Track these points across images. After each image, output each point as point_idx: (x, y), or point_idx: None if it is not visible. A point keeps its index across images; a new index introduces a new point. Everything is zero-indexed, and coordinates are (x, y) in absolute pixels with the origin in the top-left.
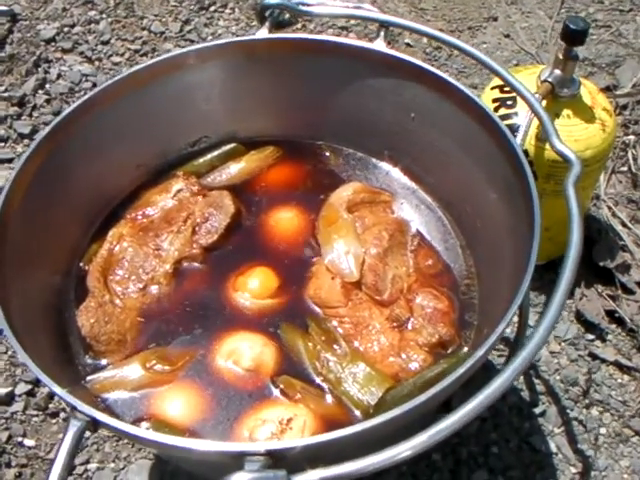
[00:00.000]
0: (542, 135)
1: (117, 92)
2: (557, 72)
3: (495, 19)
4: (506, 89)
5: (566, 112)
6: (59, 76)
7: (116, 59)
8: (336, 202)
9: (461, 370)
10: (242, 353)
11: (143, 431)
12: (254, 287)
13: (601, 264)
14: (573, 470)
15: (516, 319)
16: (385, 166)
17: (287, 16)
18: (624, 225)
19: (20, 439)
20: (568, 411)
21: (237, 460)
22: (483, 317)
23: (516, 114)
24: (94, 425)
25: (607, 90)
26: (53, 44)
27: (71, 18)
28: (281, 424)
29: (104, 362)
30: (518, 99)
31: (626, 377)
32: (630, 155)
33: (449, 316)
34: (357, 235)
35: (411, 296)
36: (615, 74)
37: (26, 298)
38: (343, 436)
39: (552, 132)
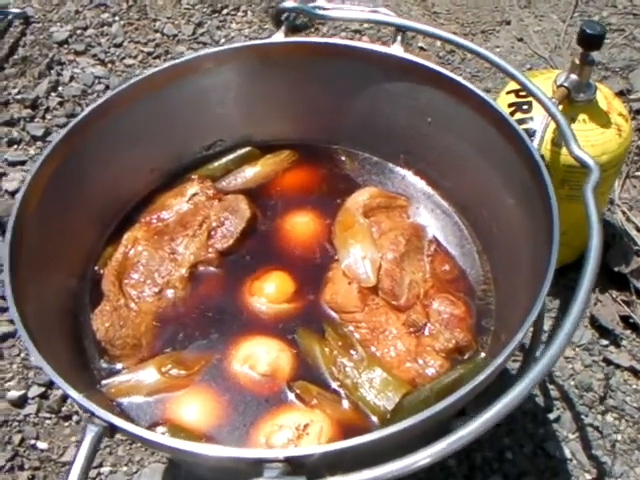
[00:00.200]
0: (558, 140)
1: (133, 95)
2: (573, 77)
3: (508, 23)
4: (522, 93)
5: (582, 117)
6: (72, 78)
7: (129, 61)
8: (352, 207)
9: (480, 377)
10: (258, 358)
11: (163, 437)
12: (270, 292)
13: (616, 269)
14: (588, 476)
15: None
16: (401, 171)
17: (303, 20)
18: (639, 230)
19: (33, 442)
20: (583, 417)
21: (256, 467)
22: (500, 323)
23: (532, 119)
24: (111, 430)
25: (621, 94)
26: (66, 46)
27: (84, 20)
28: (297, 430)
29: (119, 366)
30: (534, 104)
31: None
32: None
33: (466, 322)
34: (374, 240)
35: (428, 301)
36: (629, 78)
37: (41, 301)
38: (362, 443)
39: (570, 137)
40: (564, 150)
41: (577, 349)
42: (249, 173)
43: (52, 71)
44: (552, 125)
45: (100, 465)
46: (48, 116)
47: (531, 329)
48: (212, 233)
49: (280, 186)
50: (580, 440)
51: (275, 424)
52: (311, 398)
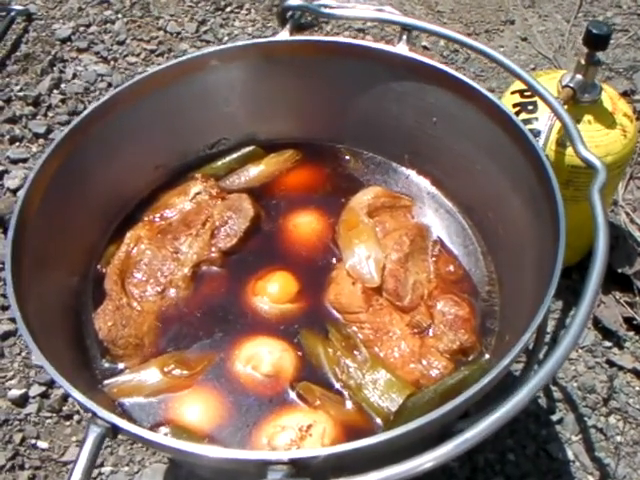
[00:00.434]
0: (563, 141)
1: (137, 93)
2: (578, 77)
3: (512, 22)
4: (527, 94)
5: (587, 117)
6: (74, 76)
7: (132, 59)
8: (356, 206)
9: (486, 379)
10: (261, 358)
11: (166, 439)
12: (273, 292)
13: (619, 270)
14: (591, 479)
15: None
16: (405, 170)
17: (308, 18)
18: None
19: (34, 441)
20: (586, 419)
21: (259, 469)
22: (504, 324)
23: (537, 119)
24: (114, 431)
25: (625, 95)
26: (69, 44)
27: (87, 18)
28: (301, 431)
29: (121, 366)
30: (539, 104)
31: None
32: None
33: (470, 323)
34: (378, 240)
35: (432, 302)
36: (633, 79)
37: (43, 300)
38: (367, 445)
39: (577, 138)
40: (569, 151)
41: (580, 350)
42: (253, 172)
43: (54, 68)
44: (557, 126)
45: (101, 465)
46: (50, 113)
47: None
48: (215, 232)
49: (284, 185)
50: (583, 442)
51: (278, 425)
52: (314, 399)
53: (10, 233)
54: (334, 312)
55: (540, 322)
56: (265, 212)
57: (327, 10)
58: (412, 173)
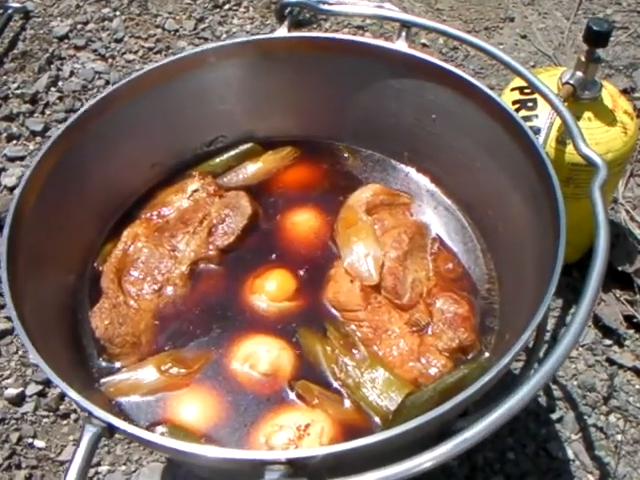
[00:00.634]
0: (563, 138)
1: (134, 90)
2: (579, 74)
3: (512, 20)
4: (526, 91)
5: (587, 115)
6: (72, 73)
7: (130, 57)
8: (355, 204)
9: (486, 378)
10: (259, 357)
11: (162, 439)
12: (271, 290)
13: (619, 268)
14: (591, 478)
15: None
16: (405, 168)
17: (307, 15)
18: None
19: (30, 440)
20: (586, 417)
21: (257, 468)
22: (504, 322)
23: (536, 116)
24: (110, 431)
25: (624, 93)
26: (66, 41)
27: (84, 15)
28: (298, 430)
29: (118, 365)
30: (539, 101)
31: None
32: None
33: (469, 321)
34: (377, 238)
35: (431, 300)
36: (633, 76)
37: (40, 299)
38: (365, 445)
39: (578, 135)
40: (569, 148)
41: (580, 349)
42: (251, 169)
43: (52, 66)
44: (557, 123)
45: (98, 464)
46: (48, 111)
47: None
48: (213, 230)
49: (282, 183)
50: (583, 441)
51: (276, 424)
52: (312, 398)
53: (6, 231)
54: (332, 310)
55: (540, 320)
56: (263, 210)
57: (325, 7)
58: (411, 170)
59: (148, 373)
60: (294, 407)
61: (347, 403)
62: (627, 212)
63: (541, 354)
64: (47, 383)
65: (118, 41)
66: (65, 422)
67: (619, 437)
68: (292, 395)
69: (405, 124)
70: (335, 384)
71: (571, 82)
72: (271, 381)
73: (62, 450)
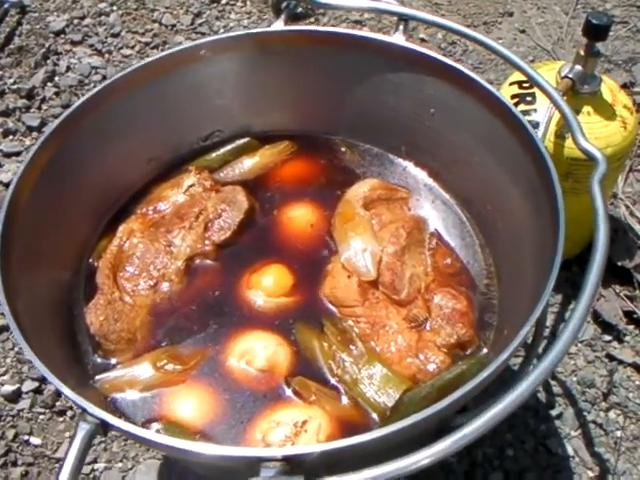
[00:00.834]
0: (562, 132)
1: (129, 85)
2: (578, 68)
3: (510, 14)
4: (525, 85)
5: (586, 109)
6: (68, 68)
7: (126, 52)
8: (352, 199)
9: (484, 374)
10: (255, 353)
11: (157, 436)
12: (268, 285)
13: (619, 264)
14: (590, 474)
15: None
16: (402, 162)
17: (303, 9)
18: None
19: (26, 437)
20: (585, 414)
21: (253, 465)
22: (503, 318)
23: (535, 110)
24: (104, 428)
25: (624, 87)
26: (62, 36)
27: (81, 10)
28: (295, 427)
29: (113, 361)
30: (537, 95)
31: None
32: None
33: (468, 316)
34: (374, 233)
35: (429, 296)
36: (632, 71)
37: (34, 295)
38: (363, 442)
39: (577, 129)
40: (568, 142)
41: (579, 345)
42: (247, 164)
43: (48, 61)
44: (555, 117)
45: (94, 461)
46: (44, 106)
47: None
48: (209, 225)
49: (279, 177)
50: (582, 437)
51: (272, 420)
52: (309, 394)
53: None
54: (330, 306)
55: (539, 316)
56: (260, 205)
57: (322, 0)
58: (409, 165)
59: (144, 369)
60: (291, 403)
61: (344, 399)
62: (627, 207)
63: (540, 350)
64: (43, 380)
65: (115, 36)
66: (61, 419)
67: (619, 433)
68: (289, 391)
69: (403, 118)
70: (332, 380)
71: (570, 76)
72: (268, 377)
73: (58, 447)
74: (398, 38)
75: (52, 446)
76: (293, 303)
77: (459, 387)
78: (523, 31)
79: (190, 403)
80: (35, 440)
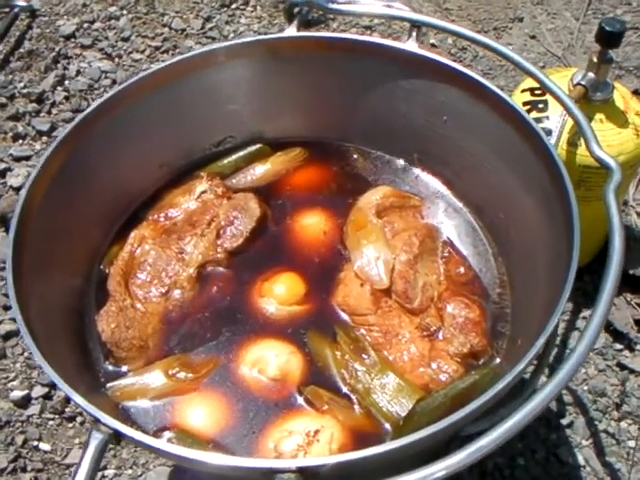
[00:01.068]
0: (575, 140)
1: (141, 90)
2: (590, 75)
3: (521, 20)
4: (537, 92)
5: (599, 116)
6: (78, 73)
7: (136, 56)
8: (365, 206)
9: (500, 385)
10: (268, 362)
11: (172, 447)
12: (280, 293)
13: (630, 272)
14: None
15: None
16: (415, 170)
17: (315, 15)
18: None
19: (36, 443)
20: (596, 423)
21: (267, 476)
22: (516, 327)
23: (547, 118)
24: (117, 437)
25: (635, 94)
26: (72, 40)
27: (91, 14)
28: (308, 436)
29: (124, 369)
30: (550, 103)
31: None
32: None
33: (481, 326)
34: (387, 241)
35: (442, 304)
36: None
37: (45, 301)
38: (377, 453)
39: (591, 137)
40: (580, 150)
41: (590, 353)
42: (259, 171)
43: (58, 65)
44: (568, 125)
45: (104, 468)
46: (54, 111)
47: None
48: (221, 232)
49: (291, 184)
50: (594, 447)
51: (285, 430)
52: (322, 403)
53: (11, 233)
54: (342, 314)
55: (555, 325)
56: (272, 212)
57: (335, 6)
58: (421, 173)
59: (155, 377)
60: (303, 413)
61: (357, 409)
62: (638, 214)
63: (551, 359)
64: (53, 386)
65: (125, 40)
66: (71, 425)
67: (631, 443)
68: (301, 400)
69: (415, 125)
70: (345, 389)
71: (583, 83)
72: (280, 386)
73: (68, 453)
74: (411, 45)
75: (61, 452)
76: (305, 311)
77: (472, 397)
78: (533, 37)
79: (202, 411)
80: (44, 446)
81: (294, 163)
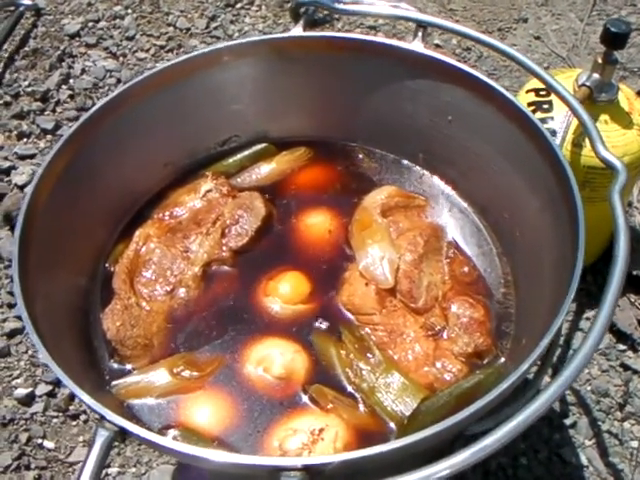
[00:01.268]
0: (579, 141)
1: (147, 89)
2: (595, 76)
3: (525, 20)
4: (542, 93)
5: (603, 117)
6: (83, 71)
7: (141, 55)
8: (370, 206)
9: (504, 385)
10: (273, 360)
11: (177, 444)
12: (285, 292)
13: (634, 273)
14: None
15: None
16: (419, 170)
17: (321, 15)
18: None
19: (40, 441)
20: (599, 423)
21: (272, 474)
22: (520, 327)
23: (552, 118)
24: (123, 435)
25: (639, 95)
26: (77, 39)
27: (96, 13)
28: (312, 434)
29: (129, 367)
30: (554, 103)
31: None
32: None
33: (485, 325)
34: (392, 240)
35: (446, 304)
36: None
37: (51, 299)
38: (384, 451)
39: (597, 138)
40: (585, 151)
41: (594, 354)
42: (264, 170)
43: (63, 64)
44: (572, 125)
45: (108, 466)
46: (58, 109)
47: None
48: (226, 231)
49: (296, 184)
50: (597, 447)
51: (289, 428)
52: (327, 402)
53: (17, 231)
54: (347, 313)
55: (559, 325)
56: (277, 211)
57: (341, 6)
58: (426, 172)
59: (160, 376)
60: (308, 411)
61: (361, 408)
62: None
63: (554, 358)
64: (57, 383)
65: (129, 39)
66: (75, 423)
67: (634, 444)
68: (306, 399)
69: (420, 125)
70: (349, 388)
71: (587, 84)
72: (285, 385)
73: (72, 451)
74: (417, 45)
75: (65, 450)
76: (310, 310)
77: (476, 396)
78: (538, 37)
79: (207, 410)
80: (48, 444)
81: (299, 162)
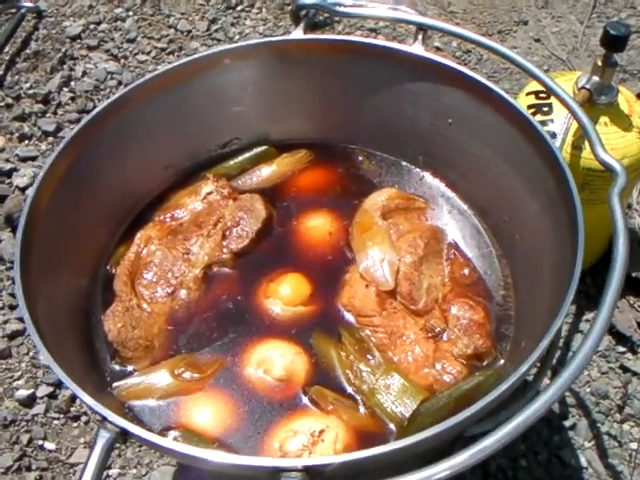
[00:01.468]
0: (579, 143)
1: (148, 91)
2: (595, 79)
3: (525, 23)
4: (542, 95)
5: (603, 120)
6: (84, 74)
7: (142, 57)
8: (370, 208)
9: (504, 387)
10: (273, 362)
11: (179, 445)
12: (285, 294)
13: (633, 275)
14: None
15: None
16: (420, 172)
17: (320, 17)
18: None
19: (41, 442)
20: (599, 425)
21: (272, 475)
22: (520, 329)
23: (552, 121)
24: (124, 436)
25: (639, 97)
26: (79, 41)
27: (97, 15)
28: (312, 436)
29: (130, 368)
30: (554, 106)
31: None
32: None
33: (485, 327)
34: (392, 242)
35: (446, 306)
36: None
37: (52, 301)
38: (384, 452)
39: (596, 140)
40: (584, 153)
41: (593, 355)
42: (265, 172)
43: (64, 66)
44: (572, 128)
45: (109, 467)
46: (60, 111)
47: None
48: (227, 233)
49: (296, 186)
50: (596, 449)
51: (290, 430)
52: (327, 403)
53: (19, 233)
54: (347, 315)
55: (559, 327)
56: (277, 213)
57: (342, 9)
58: (426, 175)
59: (161, 377)
60: (308, 413)
61: (362, 409)
62: None
63: (554, 360)
64: (58, 385)
65: (131, 41)
66: (76, 424)
67: (633, 445)
68: (306, 400)
69: (421, 128)
70: (349, 390)
71: (587, 87)
72: (285, 386)
73: (72, 452)
74: (417, 48)
75: (66, 451)
76: (310, 312)
77: (476, 398)
78: (538, 40)
79: (207, 411)
80: (49, 445)
81: (300, 165)
